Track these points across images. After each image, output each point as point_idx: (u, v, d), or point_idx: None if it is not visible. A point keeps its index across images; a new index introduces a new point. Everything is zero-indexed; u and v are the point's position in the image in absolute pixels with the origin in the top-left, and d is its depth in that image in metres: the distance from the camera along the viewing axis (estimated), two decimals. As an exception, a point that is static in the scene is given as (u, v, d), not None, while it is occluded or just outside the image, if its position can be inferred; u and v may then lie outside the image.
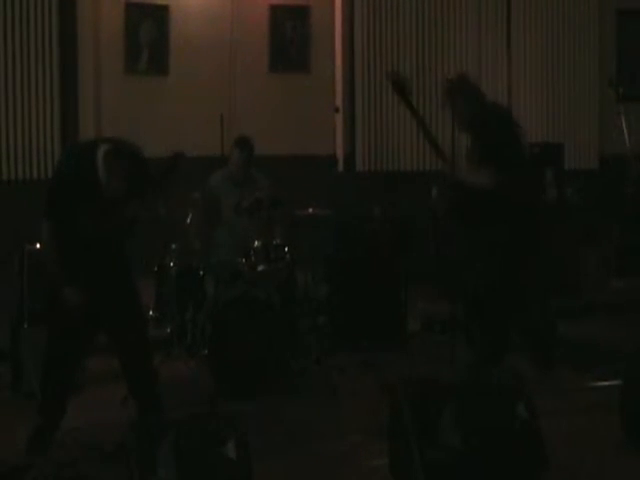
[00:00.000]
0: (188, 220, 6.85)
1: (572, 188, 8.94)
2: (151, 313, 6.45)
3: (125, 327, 4.99)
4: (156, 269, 6.59)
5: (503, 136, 5.86)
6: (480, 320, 5.97)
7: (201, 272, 6.60)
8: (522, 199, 5.79)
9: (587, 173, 10.02)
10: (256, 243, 6.58)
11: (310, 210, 6.94)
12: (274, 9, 9.73)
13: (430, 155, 7.16)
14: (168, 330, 6.49)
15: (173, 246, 6.69)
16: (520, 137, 6.00)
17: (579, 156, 10.45)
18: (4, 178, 8.75)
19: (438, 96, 9.95)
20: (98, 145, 4.79)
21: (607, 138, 10.46)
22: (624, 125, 6.87)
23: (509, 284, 5.84)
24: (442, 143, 6.03)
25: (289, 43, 9.86)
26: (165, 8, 9.32)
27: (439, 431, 4.18)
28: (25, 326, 6.00)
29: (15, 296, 6.07)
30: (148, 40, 9.32)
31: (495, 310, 5.84)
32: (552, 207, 8.67)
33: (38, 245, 5.97)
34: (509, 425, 4.27)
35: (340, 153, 10.18)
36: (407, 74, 8.32)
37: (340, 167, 10.16)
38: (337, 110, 9.32)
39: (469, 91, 6.01)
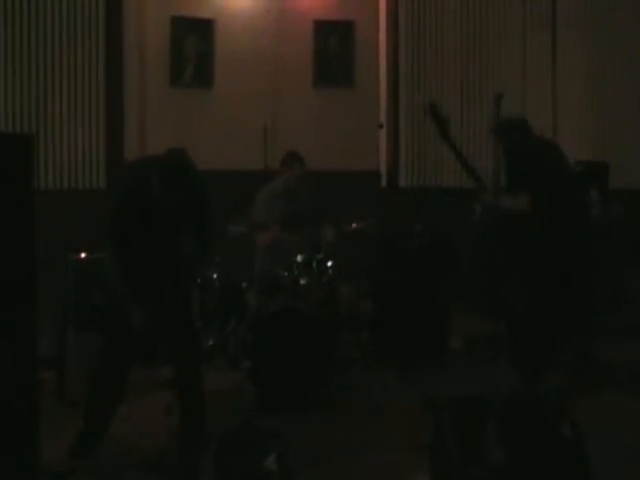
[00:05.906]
0: (230, 235, 6.86)
1: (616, 206, 8.85)
2: (194, 325, 6.48)
3: (181, 339, 5.09)
4: (199, 281, 6.61)
5: (533, 162, 5.93)
6: (520, 338, 5.96)
7: (244, 284, 6.62)
8: (560, 220, 5.80)
9: (632, 192, 9.90)
10: (299, 257, 6.59)
11: (354, 225, 6.93)
12: (318, 24, 9.77)
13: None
14: (210, 342, 6.51)
15: (217, 259, 6.71)
16: (555, 161, 6.02)
17: (624, 175, 10.33)
18: (50, 187, 8.85)
19: (482, 112, 10.01)
20: (154, 164, 4.90)
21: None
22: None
23: (546, 304, 5.83)
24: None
25: (333, 58, 9.89)
26: (210, 22, 9.39)
27: (482, 449, 4.14)
28: (70, 333, 6.05)
29: (60, 304, 6.12)
30: (193, 53, 9.40)
31: (533, 328, 5.83)
32: (596, 226, 8.62)
33: (83, 255, 6.05)
34: (553, 444, 4.22)
35: (383, 168, 10.19)
36: (447, 102, 8.32)
37: (383, 182, 10.17)
38: (381, 126, 9.30)
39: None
